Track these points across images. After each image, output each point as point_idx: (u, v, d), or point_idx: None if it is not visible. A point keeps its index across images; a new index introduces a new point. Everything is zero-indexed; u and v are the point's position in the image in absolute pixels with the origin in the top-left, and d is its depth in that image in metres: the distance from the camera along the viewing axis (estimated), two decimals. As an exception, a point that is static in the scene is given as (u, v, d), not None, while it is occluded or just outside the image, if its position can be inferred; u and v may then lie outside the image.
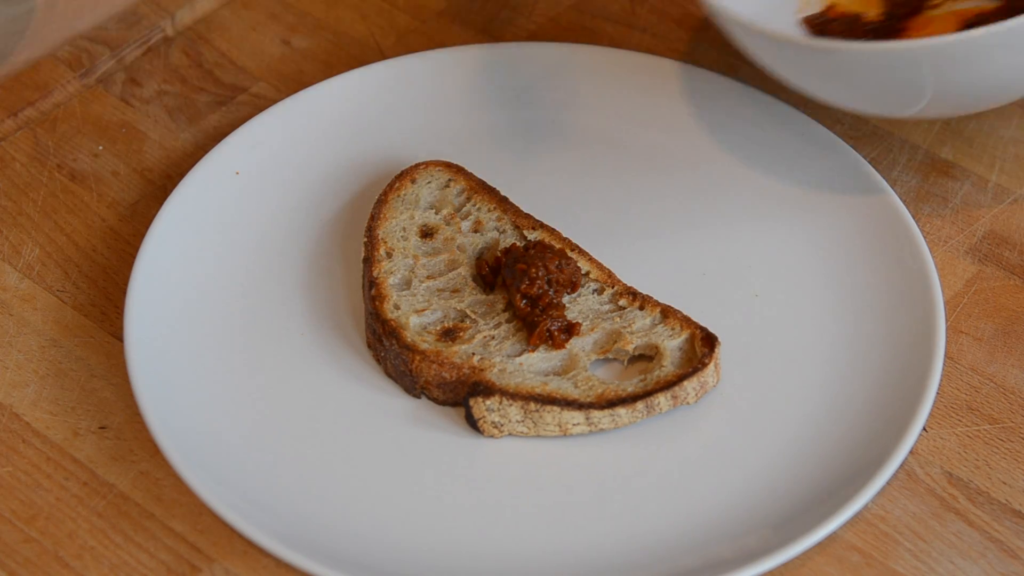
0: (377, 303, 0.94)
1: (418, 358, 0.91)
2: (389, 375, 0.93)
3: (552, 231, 0.98)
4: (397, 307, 0.94)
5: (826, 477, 0.88)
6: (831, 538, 0.87)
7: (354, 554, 0.85)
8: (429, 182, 1.00)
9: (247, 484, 0.88)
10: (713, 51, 1.13)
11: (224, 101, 1.11)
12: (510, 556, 0.86)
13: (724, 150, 1.04)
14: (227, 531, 0.87)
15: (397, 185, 1.00)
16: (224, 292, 0.97)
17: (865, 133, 1.07)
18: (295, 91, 1.07)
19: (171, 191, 1.00)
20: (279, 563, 0.86)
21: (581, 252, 0.97)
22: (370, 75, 1.07)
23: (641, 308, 0.94)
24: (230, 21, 1.16)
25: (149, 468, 0.90)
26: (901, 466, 0.89)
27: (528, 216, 0.98)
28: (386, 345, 0.92)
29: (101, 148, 1.07)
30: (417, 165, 1.01)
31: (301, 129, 1.05)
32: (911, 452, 0.90)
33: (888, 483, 0.88)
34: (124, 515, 0.89)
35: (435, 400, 0.93)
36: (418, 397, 0.93)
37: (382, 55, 1.13)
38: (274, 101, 1.07)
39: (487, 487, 0.89)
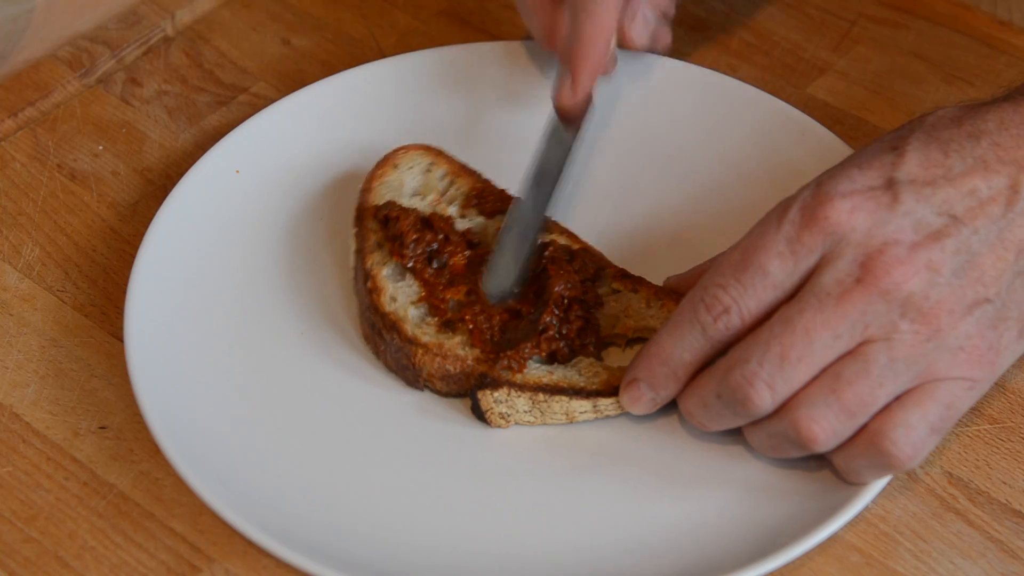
0: (374, 296, 0.93)
1: (421, 351, 0.91)
2: (389, 368, 0.93)
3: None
4: (394, 299, 0.93)
5: (826, 477, 0.88)
6: (831, 538, 0.87)
7: (356, 554, 0.85)
8: (411, 167, 1.00)
9: (247, 484, 0.88)
10: (713, 51, 1.13)
11: (224, 101, 1.11)
12: (519, 550, 0.86)
13: (724, 150, 1.04)
14: (227, 531, 0.87)
15: (380, 172, 0.99)
16: (224, 292, 0.97)
17: (865, 133, 1.07)
18: (295, 91, 1.07)
19: (171, 191, 1.00)
20: (279, 563, 0.86)
21: (571, 236, 0.97)
22: (370, 75, 1.07)
23: (635, 291, 0.94)
24: (230, 21, 1.16)
25: (149, 468, 0.90)
26: (901, 466, 0.89)
27: (512, 197, 0.98)
28: (386, 339, 0.92)
29: (101, 148, 1.07)
30: (397, 150, 1.00)
31: (301, 129, 1.05)
32: (911, 452, 0.90)
33: (888, 483, 0.88)
34: (124, 515, 0.89)
35: (438, 392, 0.92)
36: (421, 390, 0.93)
37: (382, 55, 1.13)
38: (274, 101, 1.07)
39: (496, 479, 0.89)
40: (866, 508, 0.88)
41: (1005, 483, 0.90)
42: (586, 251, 0.95)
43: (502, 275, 0.92)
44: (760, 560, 0.83)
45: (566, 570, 0.85)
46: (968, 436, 0.92)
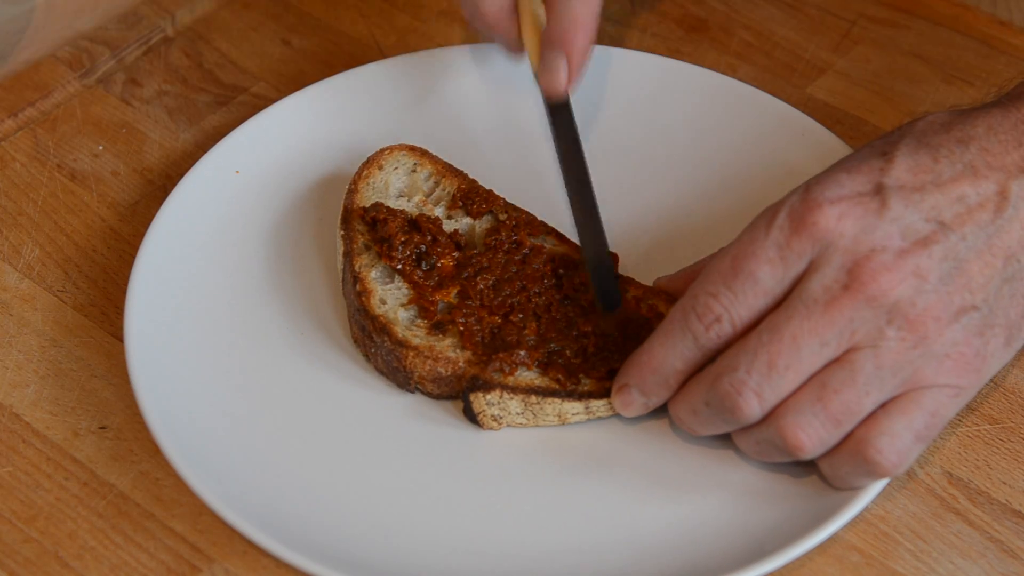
0: (363, 299, 0.93)
1: (412, 354, 0.91)
2: (380, 371, 0.93)
3: (522, 211, 0.97)
4: (384, 301, 0.93)
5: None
6: (831, 538, 0.87)
7: (355, 554, 0.85)
8: (396, 168, 1.00)
9: (247, 484, 0.88)
10: (713, 51, 1.13)
11: (224, 101, 1.11)
12: (512, 551, 0.86)
13: (724, 150, 1.04)
14: (227, 531, 0.87)
15: (365, 173, 0.99)
16: (224, 292, 0.97)
17: (865, 133, 1.07)
18: (295, 91, 1.07)
19: (171, 191, 1.00)
20: (279, 563, 0.86)
21: (558, 235, 0.97)
22: (370, 75, 1.07)
23: (624, 291, 0.94)
24: (230, 21, 1.16)
25: (149, 468, 0.90)
26: (901, 466, 0.89)
27: (499, 197, 0.98)
28: (376, 341, 0.92)
29: (101, 148, 1.07)
30: (382, 151, 1.00)
31: (301, 129, 1.05)
32: (911, 452, 0.90)
33: (888, 484, 0.88)
34: (124, 515, 0.89)
35: (429, 395, 0.92)
36: (412, 392, 0.93)
37: (382, 55, 1.13)
38: (274, 101, 1.07)
39: (490, 480, 0.89)
40: (866, 508, 0.88)
41: (1005, 483, 0.90)
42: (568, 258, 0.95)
43: (612, 292, 0.92)
44: (760, 560, 0.83)
45: (562, 572, 0.85)
46: (968, 436, 0.92)
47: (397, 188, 0.99)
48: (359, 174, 0.99)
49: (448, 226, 0.97)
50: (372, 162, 1.00)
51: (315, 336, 0.95)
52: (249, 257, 0.99)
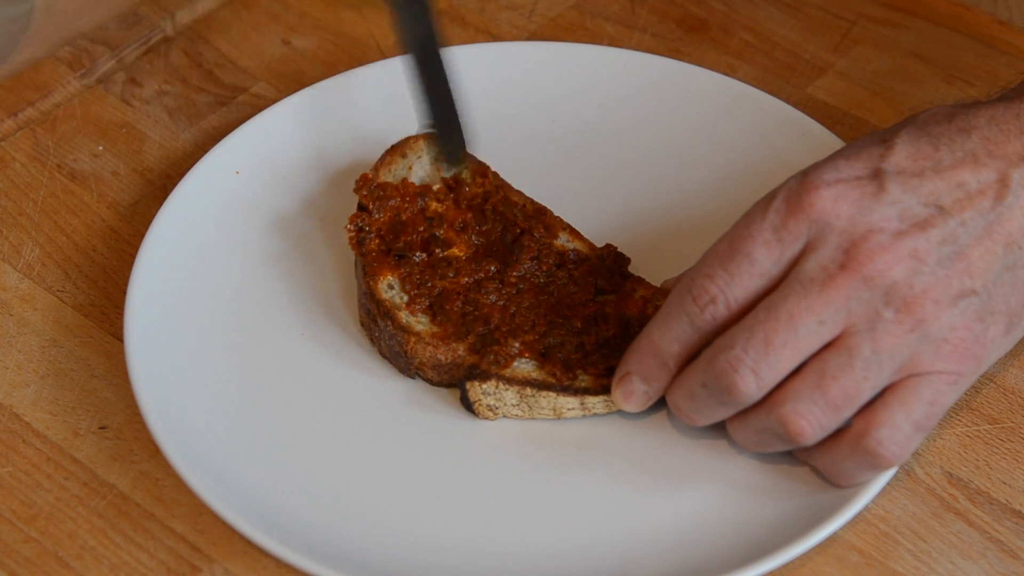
0: (371, 282, 0.93)
1: (413, 340, 0.91)
2: (383, 355, 0.93)
3: (541, 207, 0.97)
4: (391, 287, 0.93)
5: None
6: (831, 538, 0.87)
7: (353, 553, 0.85)
8: (419, 156, 1.00)
9: (247, 484, 0.88)
10: (713, 51, 1.13)
11: (224, 101, 1.11)
12: (508, 547, 0.86)
13: (724, 150, 1.04)
14: (227, 531, 0.87)
15: (388, 159, 0.99)
16: (224, 292, 0.97)
17: (865, 133, 1.07)
18: (295, 91, 1.07)
19: (171, 191, 1.00)
20: (279, 563, 0.86)
21: (572, 231, 0.97)
22: (370, 75, 1.07)
23: (632, 291, 0.94)
24: (230, 21, 1.16)
25: (149, 468, 0.90)
26: (901, 466, 0.89)
27: (519, 192, 0.98)
28: (381, 326, 0.92)
29: (101, 148, 1.07)
30: (407, 139, 1.00)
31: (301, 129, 1.05)
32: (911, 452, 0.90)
33: (888, 483, 0.88)
34: (124, 515, 0.89)
35: (429, 381, 0.93)
36: (412, 378, 0.93)
37: (382, 55, 1.13)
38: (274, 101, 1.07)
39: (484, 473, 0.89)
40: (866, 508, 0.88)
41: (1005, 483, 0.90)
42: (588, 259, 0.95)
43: (457, 143, 0.94)
44: (759, 560, 0.83)
45: (557, 569, 0.85)
46: (968, 436, 0.92)
47: (418, 176, 0.99)
48: (381, 160, 0.99)
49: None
50: (396, 150, 1.00)
51: (316, 335, 0.95)
52: (249, 257, 0.99)
